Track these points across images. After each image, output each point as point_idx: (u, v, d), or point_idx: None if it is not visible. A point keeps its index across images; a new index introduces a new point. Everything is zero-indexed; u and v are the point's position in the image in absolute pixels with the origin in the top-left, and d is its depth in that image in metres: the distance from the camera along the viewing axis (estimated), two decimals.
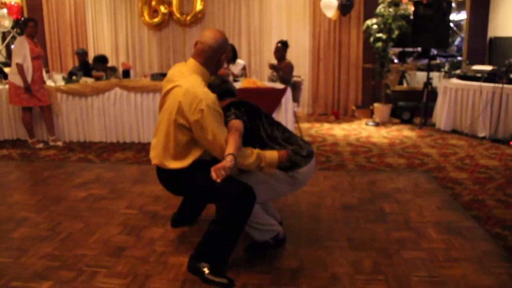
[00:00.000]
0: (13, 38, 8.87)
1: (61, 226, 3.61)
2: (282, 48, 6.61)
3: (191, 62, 2.78)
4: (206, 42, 2.75)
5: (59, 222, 3.70)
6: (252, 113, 2.96)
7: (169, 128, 2.73)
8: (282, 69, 6.47)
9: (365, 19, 8.11)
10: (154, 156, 2.87)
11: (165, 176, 2.90)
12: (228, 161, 2.49)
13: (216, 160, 2.68)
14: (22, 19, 8.45)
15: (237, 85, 5.98)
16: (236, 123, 2.71)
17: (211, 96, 2.62)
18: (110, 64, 7.67)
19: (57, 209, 3.99)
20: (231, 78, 6.35)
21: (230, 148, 2.55)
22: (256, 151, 2.75)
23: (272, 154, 2.81)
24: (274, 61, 6.73)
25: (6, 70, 7.27)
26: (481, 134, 6.54)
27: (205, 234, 2.79)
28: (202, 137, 2.65)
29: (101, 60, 7.39)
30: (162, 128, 2.79)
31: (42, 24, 9.12)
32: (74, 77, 6.87)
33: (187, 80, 2.68)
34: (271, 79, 6.64)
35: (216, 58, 2.79)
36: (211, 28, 3.08)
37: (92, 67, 7.39)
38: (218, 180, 2.48)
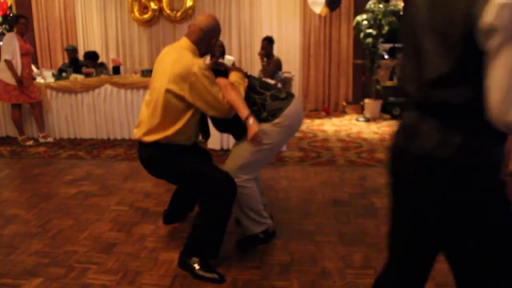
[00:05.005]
0: (2, 34, 8.79)
1: (52, 223, 3.60)
2: (269, 44, 6.61)
3: (183, 40, 2.85)
4: (198, 25, 2.82)
5: (50, 219, 3.69)
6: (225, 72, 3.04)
7: (158, 101, 2.74)
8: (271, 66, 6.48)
9: (355, 15, 8.13)
10: (138, 130, 2.89)
11: (146, 152, 2.88)
12: (253, 125, 2.61)
13: (197, 146, 2.87)
14: (11, 15, 8.39)
15: None
16: (222, 80, 2.79)
17: (200, 61, 2.72)
18: (100, 60, 7.63)
19: (47, 206, 3.98)
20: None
21: (243, 110, 2.67)
22: (235, 82, 2.86)
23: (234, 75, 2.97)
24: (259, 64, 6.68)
25: None
26: None
27: (192, 228, 2.81)
28: (199, 100, 2.69)
29: (92, 57, 7.37)
30: (151, 104, 2.80)
31: (31, 20, 9.05)
32: (64, 74, 6.85)
33: (177, 53, 2.77)
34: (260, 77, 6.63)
35: (207, 40, 2.85)
36: (206, 13, 3.14)
37: (82, 63, 7.36)
38: (263, 146, 2.70)
